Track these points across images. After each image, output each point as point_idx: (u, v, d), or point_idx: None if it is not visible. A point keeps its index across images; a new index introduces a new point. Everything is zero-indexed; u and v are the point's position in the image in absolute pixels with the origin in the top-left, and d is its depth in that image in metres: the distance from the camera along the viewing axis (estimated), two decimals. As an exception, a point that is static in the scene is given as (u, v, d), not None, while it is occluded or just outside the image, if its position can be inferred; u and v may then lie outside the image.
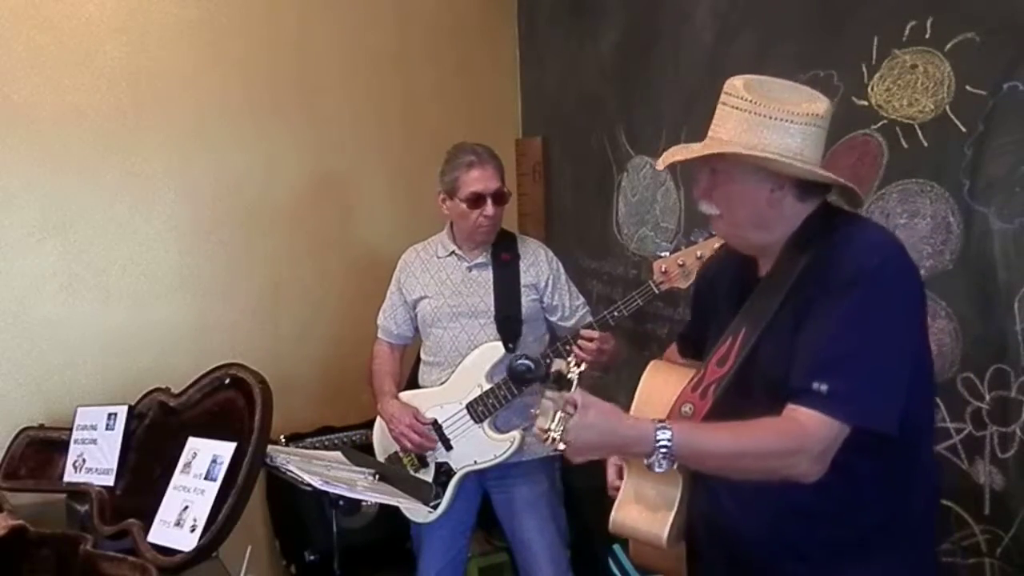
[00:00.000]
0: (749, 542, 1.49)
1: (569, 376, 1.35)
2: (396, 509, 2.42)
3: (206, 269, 3.00)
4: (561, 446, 1.35)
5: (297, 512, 2.90)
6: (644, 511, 1.53)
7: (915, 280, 1.42)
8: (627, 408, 1.63)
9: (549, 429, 1.32)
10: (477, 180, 2.36)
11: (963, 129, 1.78)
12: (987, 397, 1.77)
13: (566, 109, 3.21)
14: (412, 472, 2.43)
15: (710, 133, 1.48)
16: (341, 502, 2.42)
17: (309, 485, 1.94)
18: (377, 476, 2.11)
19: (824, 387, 1.32)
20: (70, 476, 2.40)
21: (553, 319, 2.50)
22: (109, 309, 2.87)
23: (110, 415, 2.43)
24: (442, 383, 2.44)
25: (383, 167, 3.25)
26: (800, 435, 1.33)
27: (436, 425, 2.41)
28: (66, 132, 2.76)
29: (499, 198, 2.39)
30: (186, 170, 2.94)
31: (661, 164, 1.51)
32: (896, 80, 1.92)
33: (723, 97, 1.46)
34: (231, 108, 2.99)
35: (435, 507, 2.40)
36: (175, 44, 2.89)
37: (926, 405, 1.48)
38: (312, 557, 2.85)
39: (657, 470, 1.35)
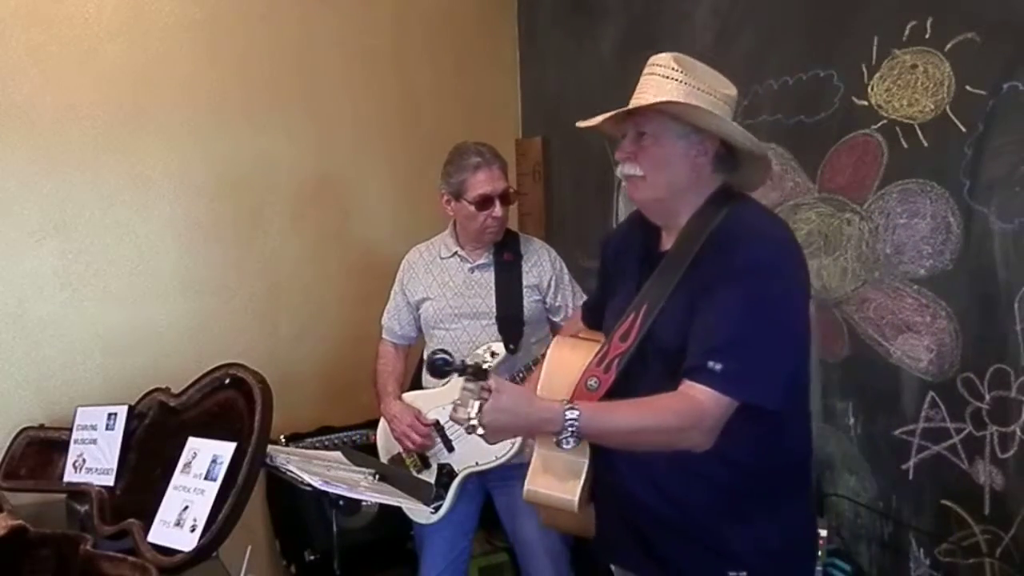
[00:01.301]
0: (640, 503, 1.58)
1: (485, 366, 1.47)
2: (396, 509, 2.42)
3: (206, 269, 3.00)
4: (480, 431, 1.46)
5: (297, 512, 2.90)
6: (554, 480, 1.62)
7: (804, 270, 1.55)
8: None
9: (469, 417, 1.44)
10: (484, 182, 2.36)
11: (963, 129, 1.78)
12: (987, 397, 1.77)
13: (566, 109, 3.21)
14: (415, 473, 2.43)
15: (634, 100, 1.55)
16: (341, 502, 2.42)
17: (309, 485, 1.94)
18: (377, 476, 2.11)
19: (718, 366, 1.42)
20: (70, 476, 2.40)
21: (556, 319, 2.50)
22: (109, 309, 2.86)
23: (110, 415, 2.43)
24: (444, 384, 2.44)
25: (383, 167, 3.25)
26: (695, 411, 1.44)
27: (438, 426, 2.41)
28: (66, 132, 2.76)
29: (506, 198, 2.39)
30: (186, 170, 2.94)
31: (588, 124, 1.61)
32: (896, 80, 1.92)
33: (651, 68, 1.56)
34: (231, 108, 2.99)
35: (437, 508, 2.40)
36: (175, 44, 2.89)
37: (800, 380, 1.59)
38: (312, 557, 2.85)
39: (565, 447, 1.47)
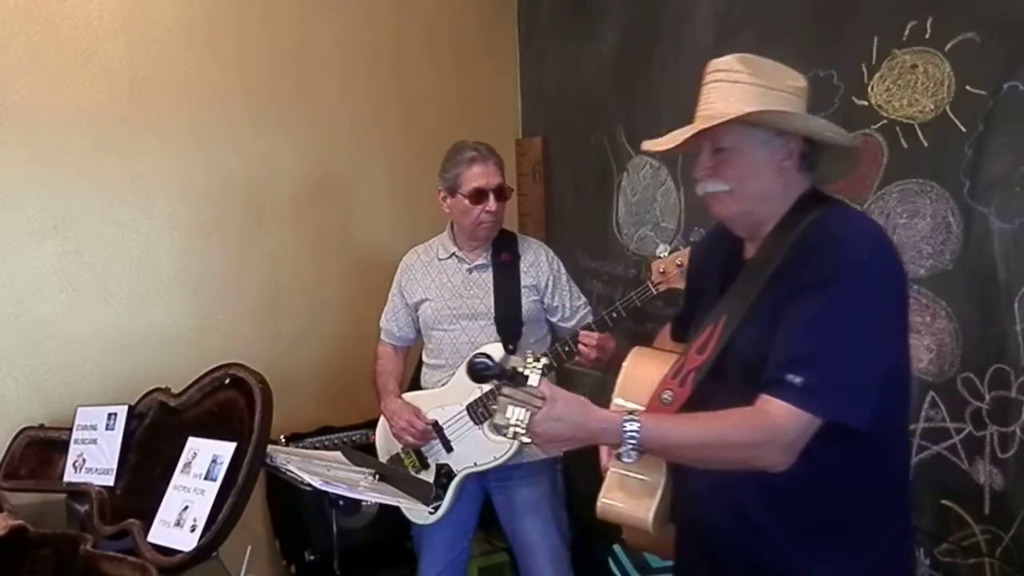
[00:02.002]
0: (717, 529, 1.50)
1: (526, 372, 1.38)
2: (396, 509, 2.42)
3: (206, 269, 3.00)
4: (526, 439, 1.37)
5: (297, 512, 2.90)
6: (629, 497, 1.54)
7: (900, 278, 1.42)
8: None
9: (508, 424, 1.35)
10: (479, 175, 2.36)
11: (963, 129, 1.78)
12: (987, 397, 1.77)
13: (566, 109, 3.21)
14: (413, 473, 2.43)
15: (703, 112, 1.47)
16: (341, 502, 2.42)
17: (309, 485, 1.94)
18: (377, 476, 2.11)
19: (798, 379, 1.32)
20: (70, 476, 2.40)
21: (554, 320, 2.50)
22: (109, 309, 2.86)
23: (110, 415, 2.43)
24: (443, 384, 2.44)
25: (383, 167, 3.25)
26: (769, 426, 1.34)
27: (437, 426, 2.41)
28: (66, 132, 2.76)
29: (501, 194, 2.39)
30: (186, 170, 2.94)
31: (659, 147, 1.49)
32: (896, 80, 1.92)
33: (713, 75, 1.47)
34: (231, 108, 2.99)
35: (436, 508, 2.40)
36: (175, 44, 2.89)
37: (900, 401, 1.48)
38: (312, 557, 2.85)
39: (626, 460, 1.38)
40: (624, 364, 1.67)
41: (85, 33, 2.77)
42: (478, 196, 2.36)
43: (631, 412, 1.40)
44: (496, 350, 2.37)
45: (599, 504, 1.57)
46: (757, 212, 1.49)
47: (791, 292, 1.39)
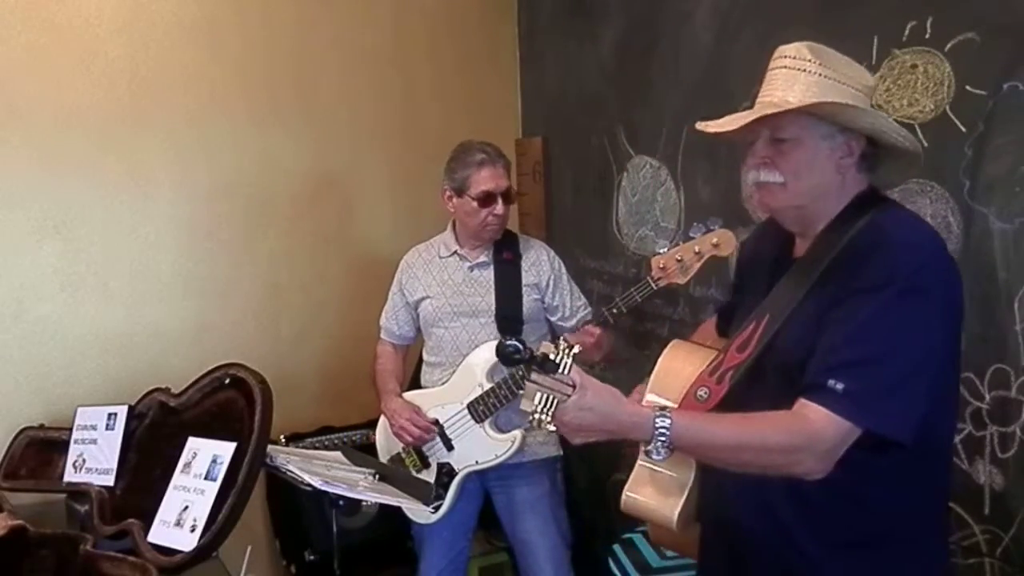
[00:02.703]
0: (750, 532, 1.46)
1: (556, 359, 1.33)
2: (396, 509, 2.43)
3: (206, 269, 3.00)
4: (550, 427, 1.33)
5: (297, 512, 2.90)
6: (656, 493, 1.50)
7: (954, 287, 1.35)
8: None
9: (535, 411, 1.31)
10: (488, 179, 2.37)
11: (963, 129, 1.78)
12: (987, 397, 1.77)
13: (566, 109, 3.21)
14: (415, 473, 2.43)
15: (765, 98, 1.41)
16: (341, 502, 2.42)
17: (309, 485, 1.94)
18: (377, 476, 2.11)
19: (840, 386, 1.27)
20: (70, 476, 2.40)
21: (554, 319, 2.50)
22: (109, 309, 2.86)
23: (110, 415, 2.43)
24: (443, 383, 2.44)
25: (383, 167, 3.25)
26: (806, 432, 1.29)
27: (437, 425, 2.41)
28: (66, 132, 2.76)
29: (508, 197, 2.41)
30: (186, 170, 2.94)
31: (717, 128, 1.42)
32: (896, 80, 1.92)
33: (781, 61, 1.40)
34: (231, 108, 2.98)
35: (436, 508, 2.40)
36: (175, 44, 2.89)
37: (948, 416, 1.43)
38: (312, 557, 2.85)
39: (656, 457, 1.34)
40: (660, 358, 1.62)
41: (85, 33, 2.77)
42: (487, 199, 2.37)
43: (663, 408, 1.35)
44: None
45: (624, 498, 1.53)
46: (809, 208, 1.43)
47: (840, 294, 1.33)
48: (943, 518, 1.50)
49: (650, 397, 1.56)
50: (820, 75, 1.36)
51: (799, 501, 1.38)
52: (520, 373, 2.28)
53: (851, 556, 1.39)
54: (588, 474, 3.06)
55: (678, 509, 1.47)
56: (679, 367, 1.56)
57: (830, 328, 1.32)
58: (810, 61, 1.37)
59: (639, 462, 1.54)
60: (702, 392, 1.46)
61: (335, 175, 3.19)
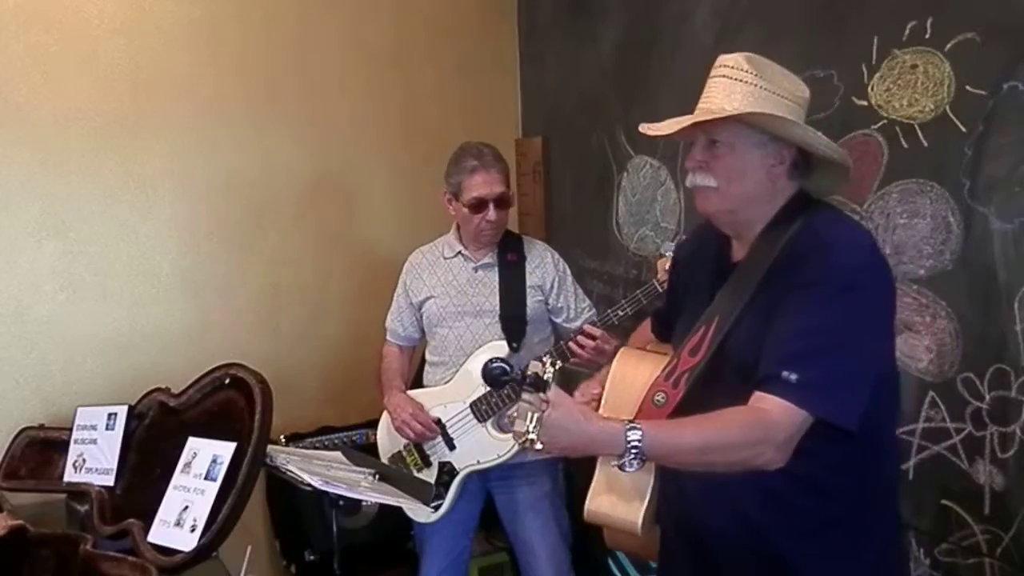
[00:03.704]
0: (711, 529, 1.49)
1: (545, 377, 1.35)
2: (396, 509, 2.42)
3: (206, 269, 3.00)
4: (538, 446, 1.35)
5: (297, 512, 2.90)
6: (618, 500, 1.52)
7: (890, 282, 1.44)
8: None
9: (527, 431, 1.32)
10: (480, 185, 2.36)
11: (963, 129, 1.78)
12: (987, 397, 1.77)
13: (566, 109, 3.21)
14: (416, 472, 2.43)
15: (704, 105, 1.48)
16: (341, 502, 2.42)
17: (309, 485, 1.94)
18: (377, 476, 2.11)
19: (794, 376, 1.33)
20: (70, 476, 2.40)
21: (558, 320, 2.50)
22: (109, 309, 2.86)
23: (110, 415, 2.43)
24: (446, 382, 2.44)
25: (383, 167, 3.25)
26: (765, 423, 1.34)
27: (440, 424, 2.41)
28: (66, 132, 2.76)
29: (501, 203, 2.39)
30: (186, 170, 2.94)
31: (655, 132, 1.51)
32: (896, 80, 1.92)
33: (720, 70, 1.47)
34: (231, 108, 2.99)
35: (437, 507, 2.40)
36: (175, 44, 2.89)
37: (890, 404, 1.50)
38: (312, 557, 2.85)
39: (628, 470, 1.35)
40: (612, 366, 1.66)
41: (85, 33, 2.77)
42: (478, 206, 2.37)
43: (632, 420, 1.38)
44: (501, 348, 2.37)
45: (587, 509, 1.55)
46: (742, 212, 1.50)
47: (785, 292, 1.39)
48: (894, 501, 1.56)
49: (604, 408, 1.58)
50: (756, 85, 1.42)
51: (765, 496, 1.42)
52: (507, 392, 2.31)
53: (814, 539, 1.44)
54: (589, 474, 3.06)
55: (641, 513, 1.49)
56: (632, 373, 1.60)
57: (779, 322, 1.38)
58: (747, 71, 1.43)
59: (598, 470, 1.56)
60: (659, 397, 1.49)
61: (335, 175, 3.19)
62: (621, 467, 1.35)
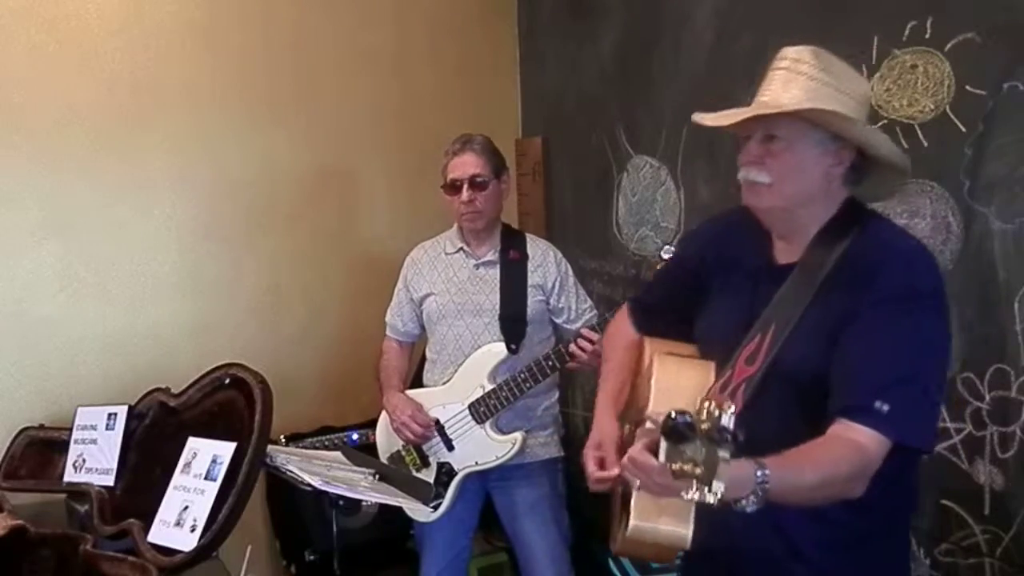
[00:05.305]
0: (746, 546, 1.45)
1: (731, 426, 1.16)
2: (397, 509, 2.42)
3: (206, 269, 3.00)
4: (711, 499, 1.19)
5: (297, 512, 2.90)
6: (667, 516, 1.41)
7: (946, 297, 1.39)
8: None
9: (715, 492, 1.15)
10: (455, 167, 2.41)
11: (963, 129, 1.78)
12: (987, 397, 1.77)
13: (566, 109, 3.21)
14: (414, 472, 2.43)
15: (763, 98, 1.42)
16: (341, 502, 2.42)
17: (309, 485, 1.94)
18: (377, 476, 2.11)
19: (886, 407, 1.28)
20: (70, 476, 2.40)
21: (559, 321, 2.50)
22: (109, 309, 2.86)
23: (110, 415, 2.43)
24: (445, 382, 2.44)
25: (383, 167, 3.25)
26: (863, 456, 1.29)
27: (438, 424, 2.41)
28: (66, 132, 2.76)
29: (473, 184, 2.39)
30: (186, 170, 2.94)
31: (714, 122, 1.42)
32: (896, 80, 1.92)
33: (782, 63, 1.41)
34: (231, 108, 2.98)
35: (436, 507, 2.40)
36: (175, 44, 2.89)
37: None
38: (312, 557, 2.85)
39: (749, 510, 1.24)
40: (655, 372, 1.54)
41: (85, 33, 2.77)
42: (452, 188, 2.40)
43: (757, 460, 1.24)
44: (499, 350, 2.37)
45: (633, 526, 1.41)
46: (794, 212, 1.43)
47: (853, 307, 1.34)
48: (914, 511, 1.56)
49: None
50: (819, 80, 1.36)
51: (805, 511, 1.37)
52: (506, 396, 2.33)
53: (849, 553, 1.41)
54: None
55: (691, 527, 1.36)
56: (677, 382, 1.49)
57: (858, 344, 1.32)
58: (810, 65, 1.37)
59: (639, 490, 1.40)
60: None
61: (335, 175, 3.19)
62: (742, 508, 1.24)
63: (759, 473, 1.22)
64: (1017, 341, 1.70)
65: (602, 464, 1.54)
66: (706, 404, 1.13)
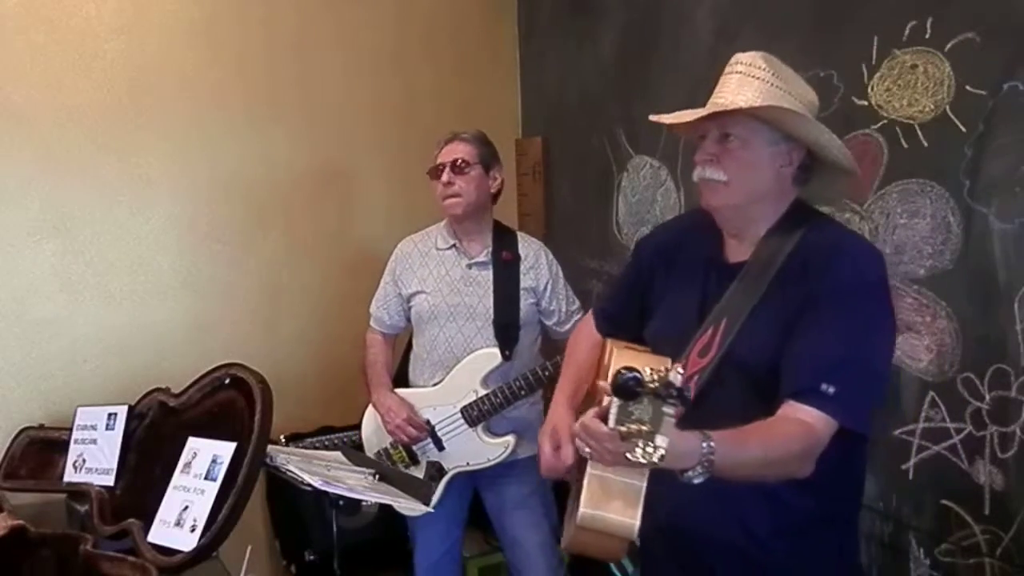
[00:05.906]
0: (702, 533, 1.50)
1: (680, 386, 1.21)
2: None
3: (206, 269, 3.00)
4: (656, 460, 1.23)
5: (297, 512, 2.90)
6: (617, 504, 1.40)
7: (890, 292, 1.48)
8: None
9: (658, 446, 1.20)
10: (442, 155, 2.42)
11: (963, 129, 1.78)
12: (987, 397, 1.77)
13: (566, 109, 3.21)
14: (403, 469, 2.42)
15: (718, 99, 1.47)
16: (341, 502, 2.41)
17: (309, 485, 1.94)
18: (377, 476, 2.11)
19: (832, 389, 1.34)
20: (70, 476, 2.40)
21: (549, 323, 2.49)
22: (109, 309, 2.86)
23: (110, 415, 2.43)
24: (436, 384, 2.43)
25: (383, 167, 3.25)
26: (810, 436, 1.34)
27: (429, 425, 2.40)
28: (66, 132, 2.76)
29: (455, 167, 2.38)
30: (186, 170, 2.94)
31: (668, 121, 1.50)
32: (896, 80, 1.92)
33: (735, 67, 1.47)
34: (230, 108, 2.99)
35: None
36: (175, 44, 2.89)
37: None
38: (312, 557, 2.85)
39: (695, 482, 1.27)
40: (612, 362, 1.55)
41: (85, 33, 2.77)
42: (435, 172, 2.41)
43: (704, 432, 1.28)
44: (493, 356, 2.36)
45: (583, 513, 1.40)
46: (747, 209, 1.50)
47: (806, 300, 1.40)
48: (859, 506, 1.61)
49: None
50: (772, 84, 1.43)
51: (762, 497, 1.43)
52: (499, 400, 2.33)
53: (805, 538, 1.47)
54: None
55: (639, 516, 1.36)
56: (633, 364, 1.52)
57: (809, 332, 1.38)
58: (763, 69, 1.44)
59: (590, 474, 1.42)
60: None
61: (335, 175, 3.19)
62: (689, 480, 1.28)
63: (705, 445, 1.26)
64: (1017, 341, 1.70)
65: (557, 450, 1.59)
66: (656, 368, 1.20)
